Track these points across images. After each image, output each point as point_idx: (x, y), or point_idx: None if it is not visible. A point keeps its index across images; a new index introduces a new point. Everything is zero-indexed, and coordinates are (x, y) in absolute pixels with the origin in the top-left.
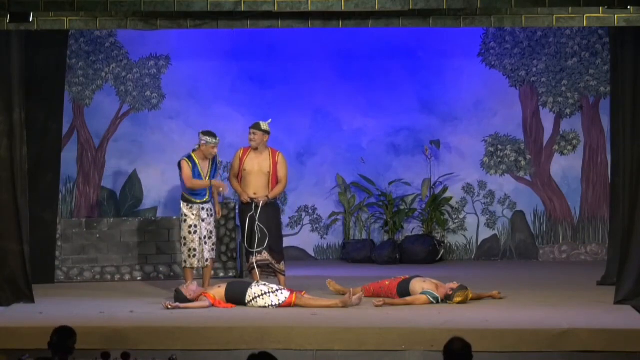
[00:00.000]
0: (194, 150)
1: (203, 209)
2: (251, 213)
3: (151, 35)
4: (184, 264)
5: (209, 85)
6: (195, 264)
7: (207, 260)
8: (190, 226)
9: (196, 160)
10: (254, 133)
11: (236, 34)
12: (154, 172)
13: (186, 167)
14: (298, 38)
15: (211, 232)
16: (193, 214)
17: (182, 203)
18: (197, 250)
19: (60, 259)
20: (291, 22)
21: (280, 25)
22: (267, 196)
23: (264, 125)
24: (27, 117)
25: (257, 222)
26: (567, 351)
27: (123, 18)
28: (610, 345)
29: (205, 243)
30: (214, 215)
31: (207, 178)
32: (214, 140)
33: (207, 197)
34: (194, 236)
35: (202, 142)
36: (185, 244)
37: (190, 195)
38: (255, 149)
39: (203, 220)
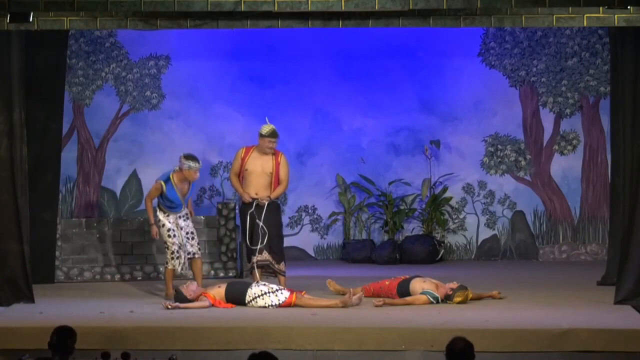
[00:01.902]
0: (174, 171)
1: (180, 217)
2: (251, 210)
3: (151, 35)
4: (166, 265)
5: (209, 85)
6: (178, 266)
7: (193, 254)
8: (169, 230)
9: (174, 183)
10: (274, 142)
11: (236, 34)
12: (154, 172)
13: (155, 190)
14: (298, 38)
15: (192, 232)
16: (170, 221)
17: (158, 211)
18: (179, 252)
19: (60, 259)
20: (291, 22)
21: (280, 25)
22: (269, 196)
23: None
24: (27, 117)
25: (257, 220)
26: (567, 351)
27: (123, 18)
28: (610, 345)
29: (187, 240)
30: (189, 218)
31: (185, 197)
32: (197, 165)
33: (182, 211)
34: (174, 239)
35: (185, 166)
36: (167, 248)
37: (167, 208)
38: (264, 152)
39: (181, 229)
